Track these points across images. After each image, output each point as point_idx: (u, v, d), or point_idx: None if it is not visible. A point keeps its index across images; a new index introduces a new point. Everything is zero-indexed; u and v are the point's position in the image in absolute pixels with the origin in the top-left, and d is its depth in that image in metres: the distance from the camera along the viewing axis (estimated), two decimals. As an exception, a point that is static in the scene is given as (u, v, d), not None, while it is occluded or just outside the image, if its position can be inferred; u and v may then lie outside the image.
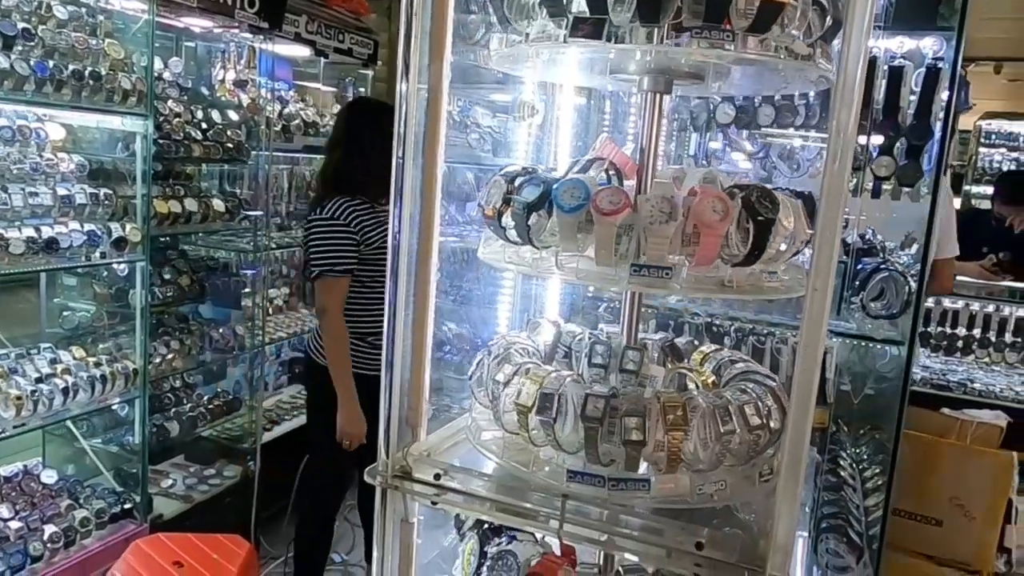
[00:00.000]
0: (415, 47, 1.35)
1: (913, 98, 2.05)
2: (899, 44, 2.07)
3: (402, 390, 1.37)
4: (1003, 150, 8.96)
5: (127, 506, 3.26)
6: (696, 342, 1.63)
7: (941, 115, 1.98)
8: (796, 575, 2.24)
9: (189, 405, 3.91)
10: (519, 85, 2.15)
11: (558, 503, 1.20)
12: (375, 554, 1.38)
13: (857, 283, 2.19)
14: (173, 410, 3.82)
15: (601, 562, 1.42)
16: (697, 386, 1.39)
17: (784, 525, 1.08)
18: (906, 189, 2.13)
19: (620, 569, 1.33)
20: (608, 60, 1.30)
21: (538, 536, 1.45)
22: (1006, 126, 9.15)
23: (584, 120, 1.89)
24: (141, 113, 3.05)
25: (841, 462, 2.57)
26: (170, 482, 3.81)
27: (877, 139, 2.15)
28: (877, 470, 2.53)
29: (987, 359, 4.50)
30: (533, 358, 1.43)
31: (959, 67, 1.97)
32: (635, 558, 1.29)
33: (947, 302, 4.53)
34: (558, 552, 1.41)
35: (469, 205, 5.74)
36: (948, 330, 4.58)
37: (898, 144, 2.09)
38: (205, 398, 4.04)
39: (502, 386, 1.33)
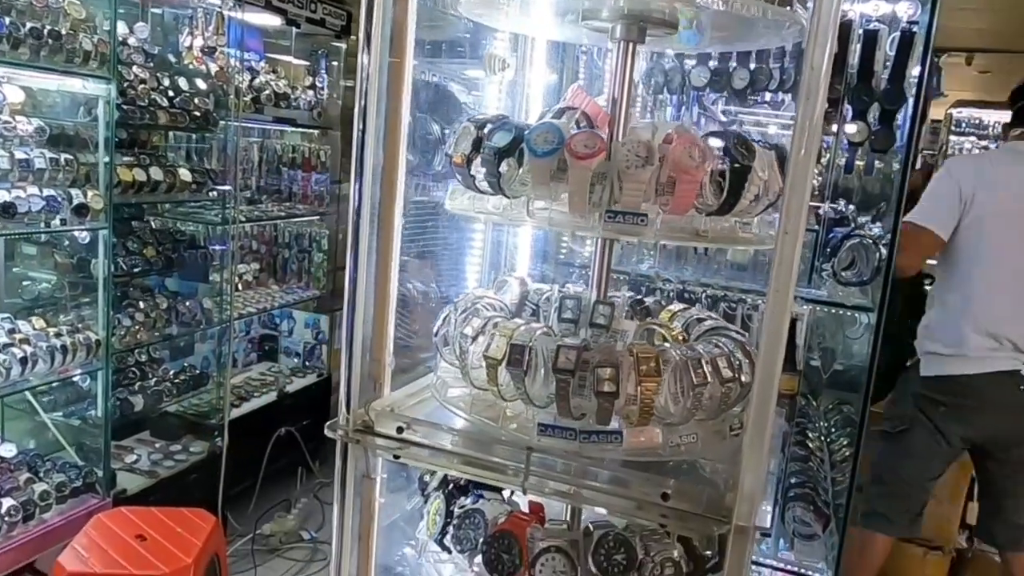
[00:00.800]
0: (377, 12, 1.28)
1: (888, 63, 2.04)
2: (874, 8, 2.06)
3: (364, 344, 1.33)
4: (973, 138, 9.09)
5: (89, 480, 3.19)
6: (663, 302, 1.61)
7: (916, 81, 1.97)
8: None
9: (154, 380, 3.84)
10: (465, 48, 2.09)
11: (523, 456, 1.18)
12: (335, 511, 1.35)
13: (828, 251, 2.19)
14: (138, 384, 3.75)
15: (568, 518, 1.40)
16: (667, 341, 1.36)
17: (751, 476, 1.07)
18: (877, 157, 2.13)
19: (589, 525, 1.31)
20: (582, 5, 1.27)
21: (505, 495, 1.42)
22: (976, 114, 9.29)
23: (556, 83, 1.86)
24: (104, 76, 2.96)
25: (810, 434, 2.58)
26: (134, 457, 3.74)
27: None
28: (845, 442, 2.55)
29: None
30: (501, 313, 1.40)
31: (934, 30, 1.97)
32: (603, 512, 1.27)
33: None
34: (526, 510, 1.39)
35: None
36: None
37: (871, 110, 2.08)
38: (171, 373, 3.97)
39: (470, 340, 1.30)
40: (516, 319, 1.37)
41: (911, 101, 2.02)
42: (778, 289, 1.03)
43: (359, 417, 1.31)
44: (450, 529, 1.39)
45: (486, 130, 1.28)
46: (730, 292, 2.17)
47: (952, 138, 9.09)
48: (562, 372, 1.21)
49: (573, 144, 1.16)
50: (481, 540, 1.36)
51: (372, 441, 1.29)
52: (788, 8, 1.14)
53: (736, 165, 1.15)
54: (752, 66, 2.11)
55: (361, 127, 1.29)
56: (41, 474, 3.10)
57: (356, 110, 1.33)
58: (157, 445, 3.90)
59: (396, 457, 1.29)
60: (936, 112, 9.91)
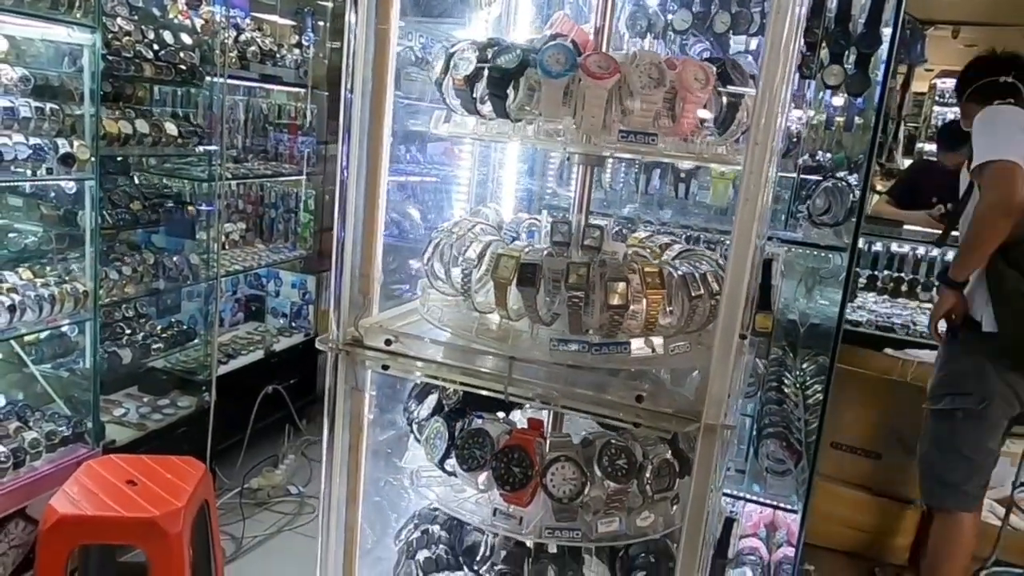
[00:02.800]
0: None
1: (865, 7, 2.08)
2: None
3: (354, 260, 1.37)
4: (956, 109, 9.15)
5: (79, 431, 3.23)
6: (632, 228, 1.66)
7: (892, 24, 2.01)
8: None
9: (142, 335, 3.87)
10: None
11: (506, 365, 1.23)
12: (325, 425, 1.41)
13: (804, 194, 2.24)
14: (126, 338, 3.77)
15: (550, 427, 1.47)
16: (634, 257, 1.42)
17: (718, 381, 1.13)
18: (856, 100, 2.18)
19: (588, 435, 1.38)
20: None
21: (500, 416, 1.48)
22: (960, 85, 9.32)
23: (540, 17, 1.89)
24: (89, 25, 2.94)
25: (785, 380, 2.66)
26: (123, 411, 3.78)
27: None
28: (818, 388, 2.64)
29: (929, 303, 4.66)
30: (498, 237, 1.44)
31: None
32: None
33: (894, 247, 4.67)
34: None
35: (431, 146, 5.70)
36: (894, 274, 4.73)
37: (847, 54, 2.12)
38: (159, 328, 3.99)
39: (475, 263, 1.34)
40: (517, 242, 1.42)
41: (886, 47, 2.06)
42: (747, 198, 1.08)
43: (349, 333, 1.36)
44: (454, 452, 1.45)
45: (489, 52, 1.30)
46: (708, 233, 2.23)
47: (936, 108, 9.18)
48: (574, 288, 1.26)
49: (588, 64, 1.20)
50: (489, 457, 1.41)
51: (362, 354, 1.34)
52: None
53: (731, 88, 1.20)
54: (734, 9, 2.14)
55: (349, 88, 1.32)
56: (31, 423, 3.13)
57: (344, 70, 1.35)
58: (145, 399, 3.95)
59: (385, 367, 1.34)
60: (920, 85, 9.99)
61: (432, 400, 1.50)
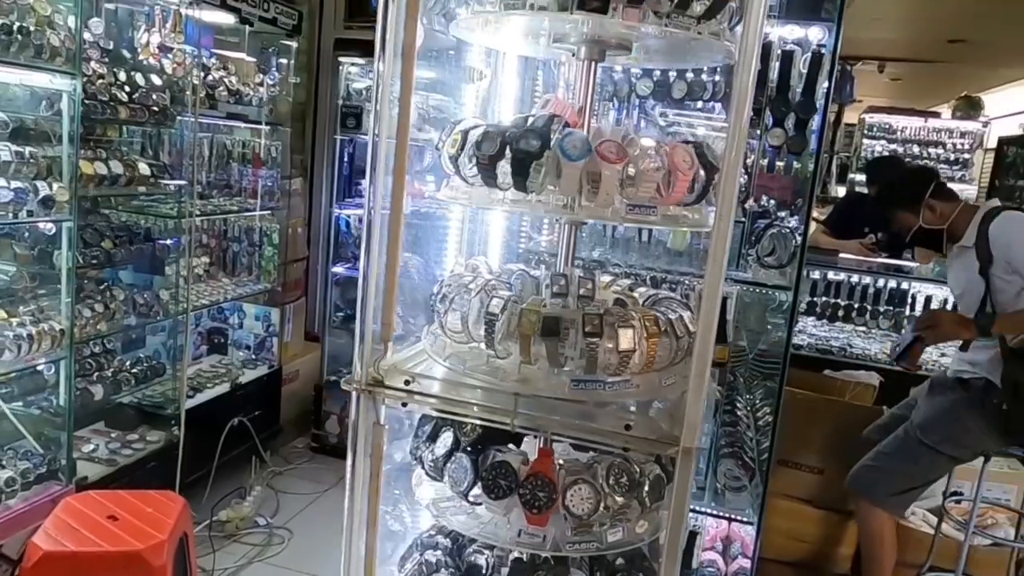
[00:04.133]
0: (392, 27, 1.50)
1: (802, 78, 2.37)
2: (790, 32, 2.39)
3: (375, 311, 1.54)
4: (883, 141, 9.77)
5: (52, 468, 3.26)
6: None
7: (825, 94, 2.30)
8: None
9: (111, 370, 3.90)
10: (449, 60, 2.31)
11: (512, 400, 1.42)
12: (349, 457, 1.56)
13: (753, 239, 2.49)
14: (96, 374, 3.80)
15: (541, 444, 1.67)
16: (635, 307, 1.64)
17: (692, 410, 1.33)
18: (794, 158, 2.45)
19: (591, 458, 1.59)
20: (555, 30, 1.51)
21: (512, 447, 1.67)
22: (886, 120, 9.99)
23: (521, 87, 2.10)
24: (70, 72, 3.04)
25: (738, 404, 2.90)
26: (92, 447, 3.80)
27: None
28: (767, 411, 2.88)
29: (864, 326, 5.02)
30: (512, 292, 1.64)
31: (838, 51, 2.29)
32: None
33: (831, 274, 5.02)
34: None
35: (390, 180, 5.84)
36: (831, 300, 5.07)
37: (788, 119, 2.40)
38: (127, 363, 4.03)
39: (499, 316, 1.53)
40: (534, 296, 1.62)
41: (820, 111, 2.34)
42: (715, 261, 1.30)
43: (370, 374, 1.52)
44: (480, 483, 1.63)
45: (509, 135, 1.50)
46: (670, 275, 2.46)
47: (865, 141, 9.79)
48: (591, 335, 1.45)
49: (602, 150, 1.42)
50: (515, 485, 1.60)
51: (383, 393, 1.50)
52: (718, 38, 1.41)
53: (709, 165, 1.44)
54: (689, 78, 2.40)
55: (376, 130, 1.50)
56: (3, 462, 3.16)
57: (372, 115, 1.53)
58: (114, 435, 3.97)
59: (404, 405, 1.51)
60: (851, 116, 10.62)
61: (447, 438, 1.67)
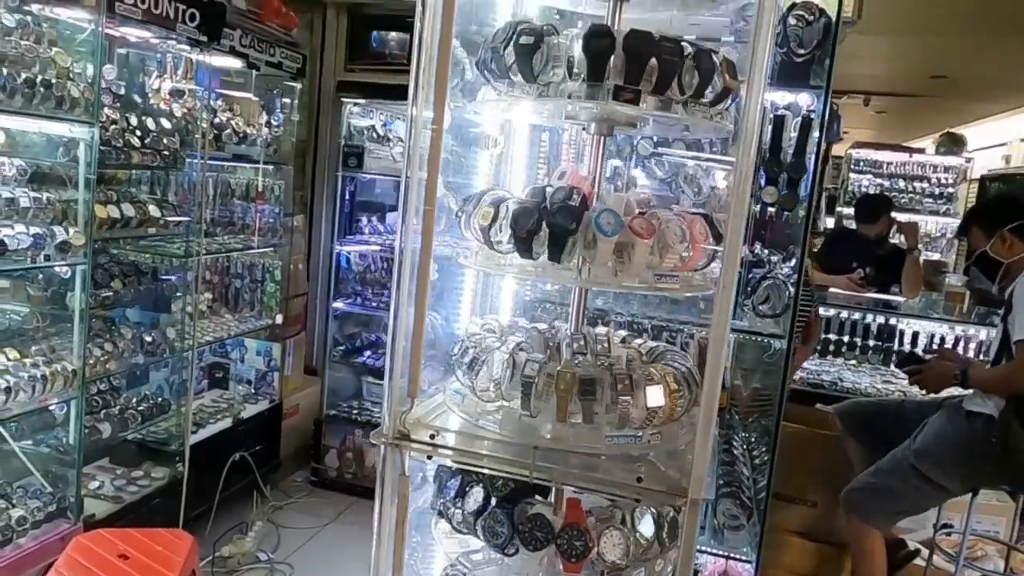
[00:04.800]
0: (423, 80, 1.61)
1: (792, 140, 2.51)
2: (782, 97, 2.54)
3: (402, 368, 1.63)
4: (869, 176, 9.99)
5: (61, 506, 3.31)
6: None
7: (813, 154, 2.45)
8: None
9: (118, 407, 3.96)
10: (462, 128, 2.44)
11: (531, 453, 1.51)
12: (376, 505, 1.64)
13: (749, 289, 2.61)
14: (103, 412, 3.86)
15: (553, 499, 1.76)
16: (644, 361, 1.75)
17: (699, 463, 1.43)
18: (787, 212, 2.59)
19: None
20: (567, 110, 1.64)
21: (540, 498, 1.77)
22: (872, 155, 10.22)
23: (529, 151, 2.23)
24: (88, 121, 3.15)
25: (735, 443, 3.00)
26: (98, 483, 3.85)
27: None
28: (763, 449, 2.97)
29: (854, 360, 5.14)
30: (541, 355, 1.75)
31: (826, 117, 2.44)
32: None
33: (821, 310, 5.14)
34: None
35: (390, 216, 5.96)
36: (822, 335, 5.19)
37: (781, 177, 2.54)
38: (134, 400, 4.09)
39: (536, 377, 1.64)
40: (565, 358, 1.73)
41: (810, 171, 2.49)
42: (718, 323, 1.41)
43: (396, 427, 1.61)
44: (517, 536, 1.73)
45: (543, 210, 1.63)
46: (671, 324, 2.58)
47: (852, 175, 10.01)
48: (623, 394, 1.57)
49: (634, 225, 1.55)
50: (551, 536, 1.70)
51: (408, 446, 1.60)
52: (721, 118, 1.53)
53: (717, 235, 1.57)
54: (688, 139, 2.54)
55: (406, 183, 1.62)
56: (14, 500, 3.21)
57: (404, 167, 1.65)
58: (119, 471, 4.02)
59: (429, 457, 1.60)
60: (838, 150, 10.87)
61: (478, 494, 1.77)
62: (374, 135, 5.56)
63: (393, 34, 5.42)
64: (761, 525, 2.59)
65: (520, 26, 1.55)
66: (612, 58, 1.44)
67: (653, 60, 1.43)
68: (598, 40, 1.46)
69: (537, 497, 1.76)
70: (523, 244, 1.65)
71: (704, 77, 1.46)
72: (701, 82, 1.46)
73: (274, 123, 4.96)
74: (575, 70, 1.46)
